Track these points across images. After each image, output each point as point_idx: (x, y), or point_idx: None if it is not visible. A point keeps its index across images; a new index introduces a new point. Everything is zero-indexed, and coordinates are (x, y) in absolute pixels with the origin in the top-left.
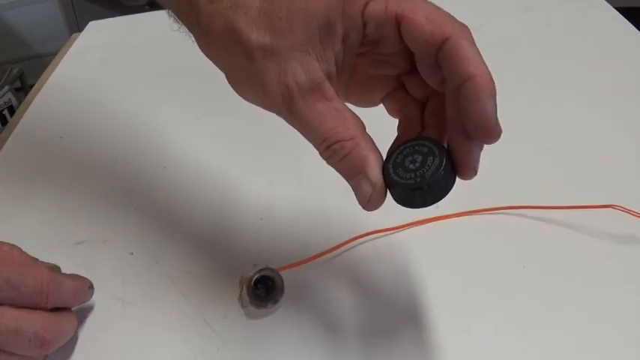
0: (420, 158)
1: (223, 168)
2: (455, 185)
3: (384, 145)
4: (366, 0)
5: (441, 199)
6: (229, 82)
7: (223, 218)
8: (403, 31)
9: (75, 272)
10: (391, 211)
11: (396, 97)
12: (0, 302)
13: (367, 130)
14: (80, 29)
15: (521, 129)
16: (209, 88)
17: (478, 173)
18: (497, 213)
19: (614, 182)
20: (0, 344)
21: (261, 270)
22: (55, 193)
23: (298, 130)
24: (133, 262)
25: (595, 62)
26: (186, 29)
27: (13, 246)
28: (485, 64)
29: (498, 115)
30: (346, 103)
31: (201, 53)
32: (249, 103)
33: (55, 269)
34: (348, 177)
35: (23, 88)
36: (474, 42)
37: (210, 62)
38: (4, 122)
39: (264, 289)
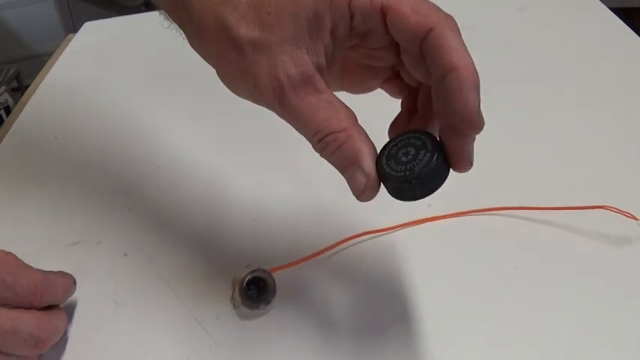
0: (412, 151)
1: (217, 168)
2: (447, 186)
3: (376, 135)
4: None
5: (431, 192)
6: (220, 78)
7: (217, 219)
8: (389, 22)
9: (69, 273)
10: (383, 211)
11: (393, 83)
12: None
13: (359, 122)
14: (76, 29)
15: (514, 129)
16: (203, 89)
17: (470, 174)
18: (490, 214)
19: (606, 183)
20: None
21: (253, 271)
22: (49, 194)
23: (290, 124)
24: (127, 263)
25: (589, 62)
26: (177, 27)
27: (8, 253)
28: (469, 55)
29: (492, 114)
30: (342, 91)
31: (196, 53)
32: (242, 104)
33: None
34: (342, 168)
35: (20, 88)
36: (459, 33)
37: (204, 63)
38: (1, 122)
39: (256, 290)
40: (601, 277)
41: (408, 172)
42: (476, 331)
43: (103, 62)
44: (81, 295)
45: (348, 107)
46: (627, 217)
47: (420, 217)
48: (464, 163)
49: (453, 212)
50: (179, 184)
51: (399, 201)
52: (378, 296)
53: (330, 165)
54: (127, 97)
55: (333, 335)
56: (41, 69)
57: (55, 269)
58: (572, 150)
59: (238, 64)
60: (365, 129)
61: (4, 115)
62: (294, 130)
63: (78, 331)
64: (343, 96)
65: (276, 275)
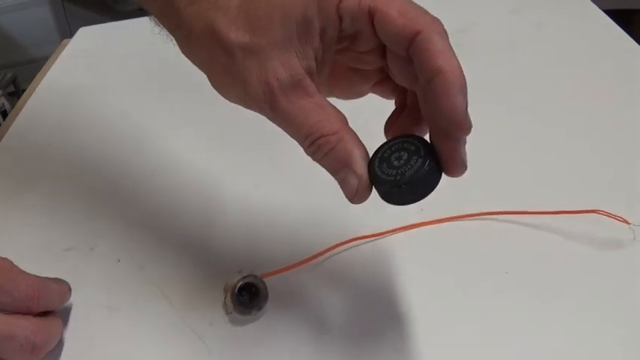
0: (405, 156)
1: (210, 174)
2: (439, 191)
3: (368, 137)
4: None
5: (421, 198)
6: (211, 83)
7: (210, 224)
8: (376, 24)
9: (63, 279)
10: (375, 217)
11: (384, 85)
12: None
13: (350, 124)
14: (72, 34)
15: (506, 133)
16: (197, 93)
17: (461, 178)
18: (481, 219)
19: (598, 187)
20: None
21: (244, 277)
22: (43, 200)
23: (282, 128)
24: (120, 269)
25: (582, 65)
26: (168, 32)
27: (4, 259)
28: (456, 58)
29: (484, 117)
30: (331, 97)
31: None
32: (236, 110)
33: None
34: (334, 171)
35: (17, 92)
36: (446, 36)
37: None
38: None
39: (248, 296)
40: (593, 282)
41: (398, 177)
42: (467, 336)
43: (97, 67)
44: (75, 301)
45: (338, 110)
46: (619, 221)
47: (412, 222)
48: (457, 166)
49: (444, 217)
50: (173, 190)
51: (391, 205)
52: (369, 301)
53: (322, 170)
54: (121, 102)
55: (325, 340)
56: (38, 74)
57: (50, 275)
58: (564, 154)
59: (229, 69)
60: (358, 129)
61: (0, 120)
62: (287, 135)
63: (72, 337)
64: (335, 100)
65: (268, 281)
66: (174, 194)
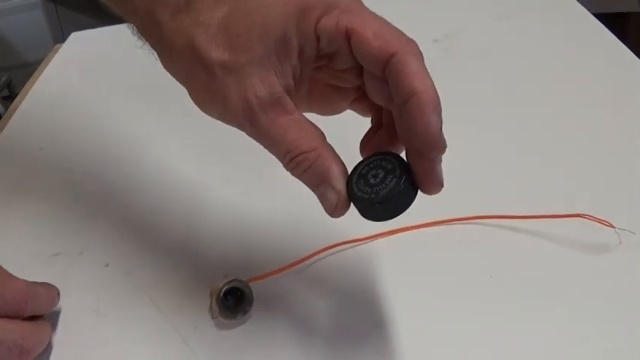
0: (381, 174)
1: (198, 181)
2: (425, 196)
3: (347, 150)
4: (319, 14)
5: (396, 215)
6: (192, 98)
7: (197, 229)
8: (353, 45)
9: (52, 283)
10: (360, 221)
11: (362, 103)
12: None
13: (328, 138)
14: (65, 38)
15: (491, 137)
16: (187, 101)
17: (446, 183)
18: (466, 223)
19: (583, 191)
20: None
21: (230, 281)
22: (33, 205)
23: (261, 144)
24: (108, 274)
25: (569, 69)
26: (150, 46)
27: None
28: (430, 79)
29: (470, 123)
30: (310, 112)
31: None
32: None
33: None
34: (314, 187)
35: (11, 96)
36: (421, 58)
37: None
38: None
39: (233, 301)
40: (579, 286)
41: (373, 196)
42: (452, 341)
43: (88, 73)
44: (64, 305)
45: (316, 127)
46: (604, 225)
47: (396, 227)
48: (433, 185)
49: (429, 221)
50: (161, 196)
51: None
52: (354, 306)
53: None
54: (111, 109)
55: (310, 345)
56: (30, 78)
57: (38, 280)
58: (550, 158)
59: (209, 85)
60: (336, 144)
61: None
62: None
63: (61, 341)
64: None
65: (253, 285)
66: (162, 200)
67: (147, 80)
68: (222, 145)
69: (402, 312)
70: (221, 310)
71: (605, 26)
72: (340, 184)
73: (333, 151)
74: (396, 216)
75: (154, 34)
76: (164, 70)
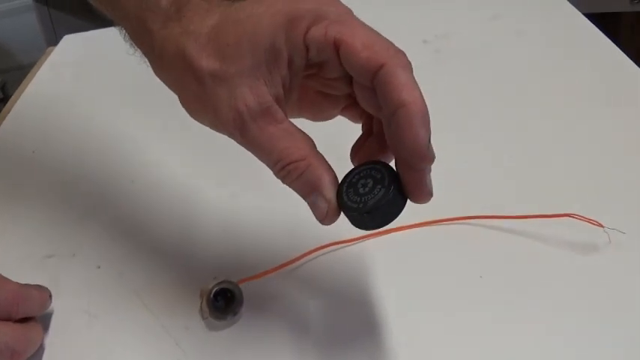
0: (370, 183)
1: (188, 183)
2: None
3: (338, 156)
4: (308, 24)
5: (384, 225)
6: (183, 105)
7: (188, 231)
8: (341, 55)
9: (44, 285)
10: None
11: (352, 110)
12: None
13: (319, 146)
14: (58, 40)
15: (481, 137)
16: (177, 102)
17: (435, 183)
18: (456, 223)
19: (572, 191)
20: None
21: (220, 282)
22: (26, 206)
23: (252, 153)
24: (100, 275)
25: (561, 69)
26: (141, 54)
27: None
28: (419, 90)
29: (461, 123)
30: (301, 118)
31: None
32: None
33: None
34: (304, 195)
35: (5, 99)
36: (409, 69)
37: None
38: None
39: (223, 302)
40: (568, 285)
41: (361, 205)
42: (441, 340)
43: (81, 75)
44: (56, 307)
45: (307, 135)
46: (593, 224)
47: (387, 228)
48: (421, 195)
49: (419, 222)
50: (152, 197)
51: None
52: (344, 306)
53: None
54: (103, 111)
55: (300, 346)
56: (23, 81)
57: (31, 282)
58: (538, 158)
59: (199, 95)
60: (327, 152)
61: None
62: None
63: (53, 343)
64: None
65: (244, 287)
66: (154, 202)
67: (139, 83)
68: (212, 146)
69: (393, 312)
70: (211, 311)
71: (597, 26)
72: (330, 193)
73: (324, 159)
74: (384, 225)
75: (145, 41)
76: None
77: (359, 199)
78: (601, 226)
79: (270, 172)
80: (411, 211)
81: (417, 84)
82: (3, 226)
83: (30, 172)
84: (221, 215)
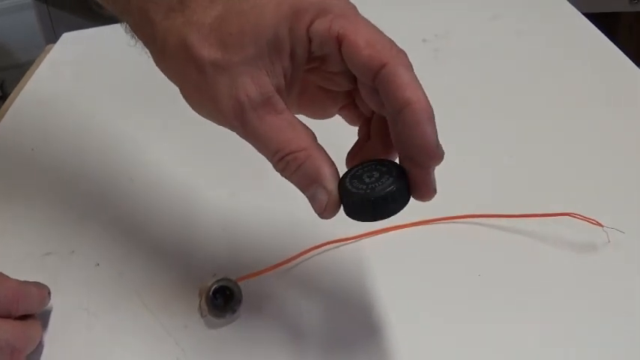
0: (377, 175)
1: (187, 181)
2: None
3: (340, 154)
4: (312, 17)
5: (388, 215)
6: (184, 97)
7: (187, 229)
8: (343, 51)
9: (43, 283)
10: (349, 221)
11: (351, 111)
12: None
13: (322, 138)
14: (57, 38)
15: (481, 136)
16: (177, 101)
17: (437, 183)
18: (454, 222)
19: (571, 190)
20: None
21: (218, 280)
22: (25, 204)
23: (251, 144)
24: (99, 273)
25: (560, 69)
26: (143, 45)
27: None
28: (422, 89)
29: (461, 122)
30: (300, 115)
31: None
32: None
33: None
34: (303, 187)
35: (4, 97)
36: (411, 68)
37: None
38: None
39: (222, 299)
40: (567, 284)
41: (369, 191)
42: (440, 339)
43: (80, 73)
44: (55, 305)
45: (307, 127)
46: (592, 223)
47: (385, 226)
48: (427, 192)
49: (418, 221)
50: (151, 195)
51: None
52: (342, 305)
53: None
54: (102, 109)
55: (299, 344)
56: (22, 79)
57: (30, 279)
58: (538, 157)
59: (200, 84)
60: (328, 147)
61: None
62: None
63: (52, 340)
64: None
65: (243, 284)
66: (153, 200)
67: (138, 80)
68: (211, 145)
69: (391, 310)
70: (210, 309)
71: (596, 26)
72: (331, 185)
73: (324, 152)
74: (387, 216)
75: (146, 32)
76: (156, 71)
77: (365, 186)
78: (600, 225)
79: (270, 172)
80: (409, 210)
81: (420, 84)
82: (2, 224)
83: (29, 170)
84: (220, 214)
